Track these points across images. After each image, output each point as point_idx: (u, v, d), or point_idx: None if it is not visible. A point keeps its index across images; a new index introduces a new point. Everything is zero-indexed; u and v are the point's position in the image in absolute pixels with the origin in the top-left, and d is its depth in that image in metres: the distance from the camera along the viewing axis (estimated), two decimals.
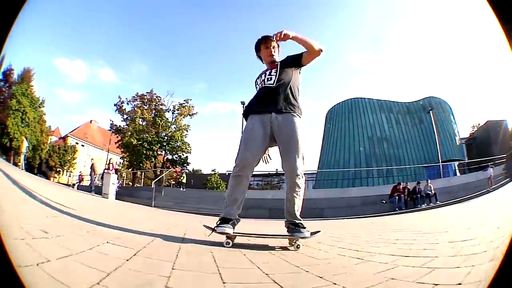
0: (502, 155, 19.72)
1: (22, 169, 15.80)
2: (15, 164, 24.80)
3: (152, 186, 15.80)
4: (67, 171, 35.33)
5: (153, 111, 26.17)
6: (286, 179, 2.41)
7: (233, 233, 2.24)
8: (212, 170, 35.17)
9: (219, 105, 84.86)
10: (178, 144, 24.86)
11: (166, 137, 24.84)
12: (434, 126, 34.89)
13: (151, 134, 24.61)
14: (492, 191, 11.38)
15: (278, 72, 2.49)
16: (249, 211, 7.67)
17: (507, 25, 0.91)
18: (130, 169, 27.12)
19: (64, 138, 40.03)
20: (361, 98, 44.90)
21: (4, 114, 27.17)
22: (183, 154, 25.58)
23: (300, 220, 2.30)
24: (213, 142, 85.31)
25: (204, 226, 2.47)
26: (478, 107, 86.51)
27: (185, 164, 25.88)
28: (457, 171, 34.13)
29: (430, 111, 34.49)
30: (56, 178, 33.11)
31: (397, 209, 12.05)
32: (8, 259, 0.93)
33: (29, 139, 29.62)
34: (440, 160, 29.47)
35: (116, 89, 71.78)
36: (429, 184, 13.10)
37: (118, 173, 17.19)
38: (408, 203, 12.76)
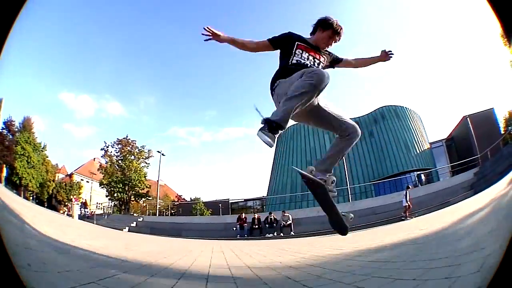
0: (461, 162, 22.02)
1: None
2: (26, 198, 31.71)
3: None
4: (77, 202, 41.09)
5: (127, 154, 31.31)
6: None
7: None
8: (196, 199, 40.14)
9: (230, 130, 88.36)
10: (135, 183, 30.43)
11: (129, 178, 30.37)
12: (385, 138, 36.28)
13: (117, 175, 30.02)
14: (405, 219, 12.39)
15: (323, 63, 2.74)
16: None
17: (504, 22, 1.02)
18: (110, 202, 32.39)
19: (70, 175, 46.49)
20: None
21: (12, 158, 32.48)
22: (142, 189, 31.23)
23: None
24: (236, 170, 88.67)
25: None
26: (454, 105, 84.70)
27: (146, 197, 31.75)
28: (423, 180, 33.96)
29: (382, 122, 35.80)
30: (65, 210, 39.15)
31: (238, 236, 15.10)
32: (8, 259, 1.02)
33: (36, 178, 35.81)
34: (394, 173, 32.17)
35: (126, 122, 73.27)
36: (286, 214, 15.38)
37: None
38: (254, 232, 15.47)
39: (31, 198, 35.21)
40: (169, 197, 48.35)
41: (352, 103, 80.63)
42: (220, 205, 27.75)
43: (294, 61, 2.62)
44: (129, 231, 17.96)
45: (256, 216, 16.36)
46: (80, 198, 37.44)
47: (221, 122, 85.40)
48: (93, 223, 18.66)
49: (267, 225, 15.48)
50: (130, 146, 32.30)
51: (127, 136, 32.47)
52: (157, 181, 30.40)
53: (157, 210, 25.55)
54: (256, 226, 15.71)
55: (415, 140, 42.22)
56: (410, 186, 14.81)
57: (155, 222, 20.59)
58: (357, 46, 56.49)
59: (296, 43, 2.68)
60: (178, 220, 21.69)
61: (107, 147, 32.18)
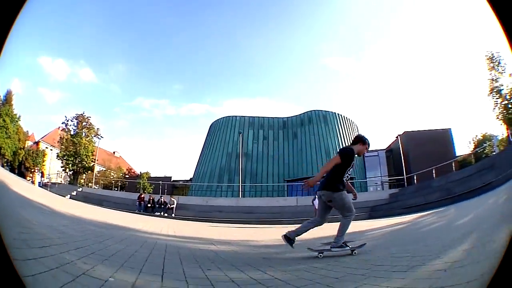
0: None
1: None
2: (2, 166, 37.73)
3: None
4: (39, 171, 46.24)
5: (80, 131, 37.15)
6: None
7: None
8: (145, 173, 43.64)
9: (194, 106, 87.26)
10: (83, 157, 36.01)
11: (78, 152, 35.96)
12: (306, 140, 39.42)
13: (70, 150, 35.95)
14: None
15: None
16: None
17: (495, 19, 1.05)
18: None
19: (37, 143, 50.18)
20: (234, 116, 46.57)
21: None
22: (88, 164, 36.77)
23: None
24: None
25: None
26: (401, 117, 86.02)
27: (89, 171, 37.59)
28: None
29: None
30: (31, 177, 42.92)
31: (137, 210, 19.59)
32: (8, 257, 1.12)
33: (11, 147, 41.41)
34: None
35: (95, 88, 74.52)
36: (172, 199, 19.84)
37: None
38: (148, 209, 19.76)
39: (5, 165, 40.83)
40: (122, 169, 51.51)
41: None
42: (161, 182, 30.65)
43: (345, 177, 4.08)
44: (70, 198, 22.38)
45: (151, 197, 20.46)
46: (43, 166, 43.30)
47: (187, 97, 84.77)
48: (48, 190, 23.80)
49: (157, 206, 19.72)
50: (86, 122, 37.39)
51: (83, 113, 37.47)
52: (95, 160, 36.72)
53: (93, 183, 31.90)
54: (150, 205, 19.82)
55: (338, 147, 40.26)
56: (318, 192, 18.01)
57: (88, 192, 26.00)
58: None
59: (352, 163, 4.07)
60: (105, 193, 26.65)
61: (67, 121, 37.19)
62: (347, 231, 4.12)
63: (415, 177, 23.76)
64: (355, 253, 3.98)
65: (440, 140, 38.88)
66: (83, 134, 36.90)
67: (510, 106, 27.95)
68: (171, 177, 43.96)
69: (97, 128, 37.96)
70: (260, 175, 40.38)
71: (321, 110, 44.95)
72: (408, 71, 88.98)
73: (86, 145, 36.18)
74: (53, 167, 42.37)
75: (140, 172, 46.81)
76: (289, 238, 4.23)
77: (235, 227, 13.27)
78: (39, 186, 29.08)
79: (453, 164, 20.37)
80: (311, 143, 42.06)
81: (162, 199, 20.08)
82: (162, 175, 42.01)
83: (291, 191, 33.22)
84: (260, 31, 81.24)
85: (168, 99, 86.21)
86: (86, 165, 36.46)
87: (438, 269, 2.15)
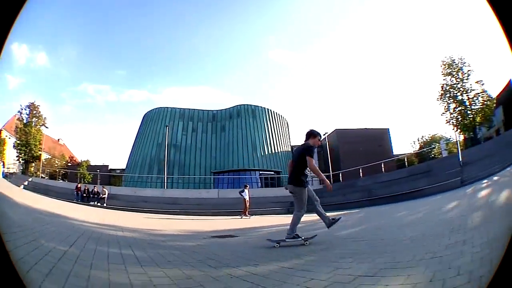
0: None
1: None
2: None
3: None
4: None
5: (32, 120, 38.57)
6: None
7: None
8: (85, 162, 44.99)
9: (134, 92, 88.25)
10: (31, 147, 37.44)
11: (28, 142, 37.48)
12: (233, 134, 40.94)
13: (22, 139, 37.68)
14: None
15: None
16: None
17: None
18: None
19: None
20: (166, 107, 46.92)
21: None
22: (36, 153, 38.20)
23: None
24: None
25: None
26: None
27: (37, 160, 38.69)
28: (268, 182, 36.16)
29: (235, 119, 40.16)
30: None
31: (74, 200, 19.39)
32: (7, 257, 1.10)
33: None
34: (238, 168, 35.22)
35: (47, 74, 75.44)
36: (104, 190, 20.13)
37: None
38: (84, 199, 19.93)
39: None
40: (65, 157, 51.87)
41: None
42: (98, 172, 31.98)
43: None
44: (23, 188, 21.47)
45: (87, 187, 20.87)
46: (3, 156, 42.27)
47: (128, 83, 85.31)
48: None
49: (91, 196, 19.98)
50: (36, 111, 38.02)
51: (34, 101, 38.61)
52: (41, 150, 38.05)
53: (41, 172, 33.75)
54: (85, 195, 20.06)
55: (266, 141, 43.35)
56: (247, 185, 16.48)
57: (37, 182, 24.71)
58: None
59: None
60: (50, 183, 25.68)
61: (22, 109, 38.07)
62: (298, 225, 4.56)
63: (340, 175, 24.19)
64: (307, 243, 4.38)
65: (377, 140, 39.76)
66: (33, 123, 37.84)
67: (469, 112, 28.10)
68: (108, 165, 45.54)
69: (45, 118, 38.98)
70: (188, 166, 41.45)
71: (250, 105, 45.92)
72: (348, 70, 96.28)
73: (35, 135, 37.34)
74: (10, 156, 41.54)
75: (81, 161, 47.45)
76: (292, 237, 4.55)
77: (151, 217, 14.20)
78: (3, 177, 27.77)
79: (382, 165, 20.21)
80: (238, 136, 43.15)
81: (96, 189, 20.80)
82: (101, 164, 43.66)
83: (217, 183, 33.87)
84: (205, 22, 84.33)
85: (110, 85, 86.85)
86: (35, 154, 37.38)
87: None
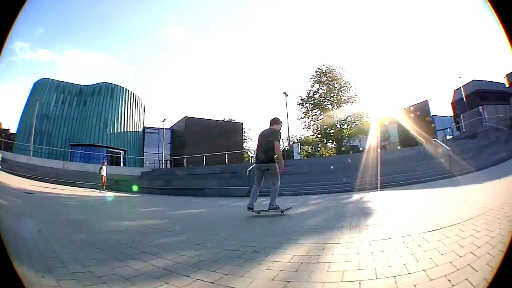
0: None
1: None
2: None
3: None
4: None
5: None
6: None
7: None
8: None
9: (44, 52, 77.17)
10: None
11: None
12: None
13: None
14: None
15: None
16: None
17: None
18: None
19: None
20: (48, 78, 46.32)
21: None
22: None
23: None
24: None
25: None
26: None
27: None
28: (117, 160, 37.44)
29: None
30: None
31: None
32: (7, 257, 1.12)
33: None
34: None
35: None
36: None
37: None
38: None
39: None
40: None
41: None
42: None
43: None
44: None
45: None
46: None
47: (42, 42, 74.96)
48: None
49: None
50: None
51: None
52: None
53: None
54: None
55: (117, 121, 45.14)
56: (105, 162, 17.18)
57: None
58: None
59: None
60: None
61: None
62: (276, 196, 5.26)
63: (185, 160, 25.29)
64: (283, 214, 5.07)
65: (233, 131, 41.91)
66: None
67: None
68: (8, 129, 44.09)
69: None
70: (54, 138, 42.59)
71: (111, 83, 46.96)
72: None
73: None
74: None
75: None
76: (251, 208, 5.23)
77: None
78: None
79: (226, 156, 20.93)
80: (94, 112, 44.77)
81: None
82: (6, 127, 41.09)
83: (73, 156, 35.53)
84: None
85: (29, 43, 76.46)
86: None
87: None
